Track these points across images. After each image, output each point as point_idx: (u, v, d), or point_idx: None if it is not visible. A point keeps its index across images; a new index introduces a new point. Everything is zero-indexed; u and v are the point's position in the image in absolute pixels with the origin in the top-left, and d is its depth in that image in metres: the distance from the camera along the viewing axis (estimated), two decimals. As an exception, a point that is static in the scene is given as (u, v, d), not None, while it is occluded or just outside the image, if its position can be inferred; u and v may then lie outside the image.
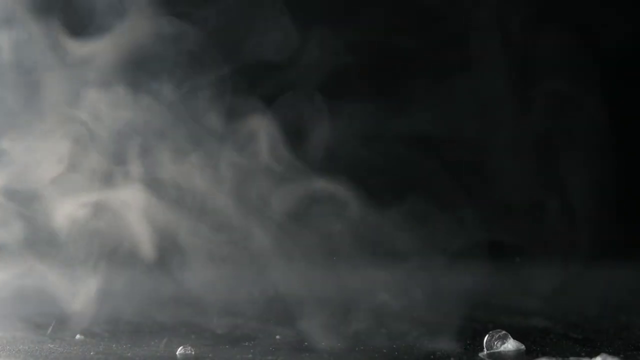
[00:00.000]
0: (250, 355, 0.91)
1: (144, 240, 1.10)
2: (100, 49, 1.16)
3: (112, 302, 1.20)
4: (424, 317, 1.11)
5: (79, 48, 1.16)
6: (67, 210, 1.09)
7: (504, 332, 0.93)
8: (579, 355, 0.89)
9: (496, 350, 0.92)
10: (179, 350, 0.93)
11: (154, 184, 1.13)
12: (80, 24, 1.18)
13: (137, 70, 1.18)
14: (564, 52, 1.39)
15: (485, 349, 0.92)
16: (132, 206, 1.11)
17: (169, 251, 1.14)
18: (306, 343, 0.98)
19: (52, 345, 0.96)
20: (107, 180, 1.14)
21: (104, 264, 1.10)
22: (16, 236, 1.10)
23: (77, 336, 1.01)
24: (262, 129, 1.17)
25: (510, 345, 0.92)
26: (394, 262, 1.20)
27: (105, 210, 1.11)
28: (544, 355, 0.89)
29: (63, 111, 1.14)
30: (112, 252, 1.12)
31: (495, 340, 0.92)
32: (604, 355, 0.85)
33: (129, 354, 0.92)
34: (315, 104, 1.25)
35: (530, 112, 1.37)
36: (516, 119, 1.38)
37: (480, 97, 1.39)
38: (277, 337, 1.01)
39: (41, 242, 1.10)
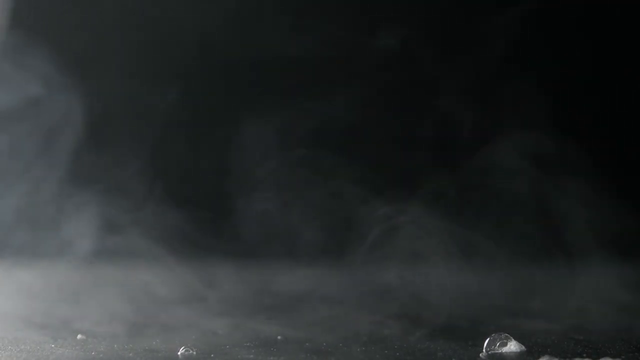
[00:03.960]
0: (252, 356, 0.91)
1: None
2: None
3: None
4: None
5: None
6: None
7: (505, 334, 0.93)
8: (580, 355, 0.89)
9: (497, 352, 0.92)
10: (181, 351, 0.93)
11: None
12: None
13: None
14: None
15: (485, 351, 0.92)
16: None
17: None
18: (307, 343, 0.98)
19: (53, 345, 0.96)
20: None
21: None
22: None
23: (79, 336, 1.01)
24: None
25: (513, 347, 0.92)
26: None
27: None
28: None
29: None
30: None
31: (497, 342, 0.92)
32: (606, 358, 0.85)
33: (130, 354, 0.92)
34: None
35: None
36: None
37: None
38: (279, 337, 1.01)
39: None
